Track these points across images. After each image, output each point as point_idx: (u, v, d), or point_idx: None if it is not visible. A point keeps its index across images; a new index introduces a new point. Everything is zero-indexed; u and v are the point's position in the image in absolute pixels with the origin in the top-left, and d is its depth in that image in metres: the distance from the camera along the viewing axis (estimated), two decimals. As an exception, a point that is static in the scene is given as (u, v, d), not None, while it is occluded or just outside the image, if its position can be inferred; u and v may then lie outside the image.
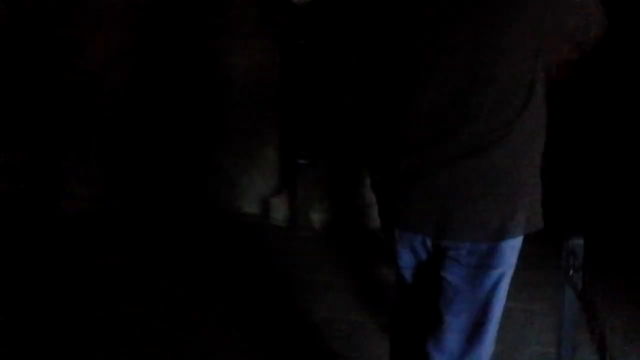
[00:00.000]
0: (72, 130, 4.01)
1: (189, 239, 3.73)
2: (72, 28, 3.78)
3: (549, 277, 2.83)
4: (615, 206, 3.60)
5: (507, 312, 1.80)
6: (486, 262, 1.58)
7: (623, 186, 3.68)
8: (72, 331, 2.88)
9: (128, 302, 3.09)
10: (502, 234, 1.54)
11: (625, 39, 3.30)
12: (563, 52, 1.59)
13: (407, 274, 1.74)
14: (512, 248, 1.61)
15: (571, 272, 1.86)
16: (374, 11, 1.53)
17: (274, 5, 3.65)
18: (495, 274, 1.61)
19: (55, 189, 4.01)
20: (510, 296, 1.76)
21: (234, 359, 2.72)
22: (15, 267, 3.39)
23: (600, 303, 1.96)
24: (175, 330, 2.88)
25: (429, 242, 1.63)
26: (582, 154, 3.82)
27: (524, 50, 1.46)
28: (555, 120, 1.68)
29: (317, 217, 3.88)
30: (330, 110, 3.76)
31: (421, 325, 1.72)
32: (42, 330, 2.89)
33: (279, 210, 3.92)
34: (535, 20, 1.44)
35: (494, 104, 1.46)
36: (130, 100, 3.98)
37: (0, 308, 3.01)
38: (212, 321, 2.95)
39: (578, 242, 1.86)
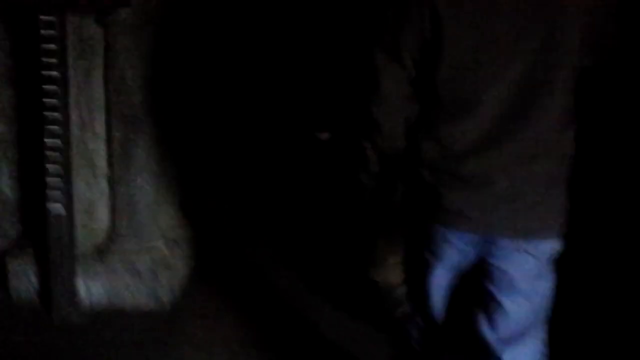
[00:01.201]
0: None
1: None
2: None
3: None
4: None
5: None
6: (549, 258, 1.78)
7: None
8: None
9: None
10: (559, 232, 1.77)
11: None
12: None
13: (445, 273, 1.84)
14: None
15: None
16: (434, 17, 1.62)
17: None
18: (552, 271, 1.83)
19: None
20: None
21: None
22: None
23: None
24: None
25: (481, 242, 1.76)
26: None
27: (573, 57, 1.63)
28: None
29: (86, 290, 2.72)
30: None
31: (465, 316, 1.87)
32: None
33: (21, 277, 2.72)
34: (585, 27, 1.61)
35: (548, 114, 1.64)
36: None
37: None
38: None
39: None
